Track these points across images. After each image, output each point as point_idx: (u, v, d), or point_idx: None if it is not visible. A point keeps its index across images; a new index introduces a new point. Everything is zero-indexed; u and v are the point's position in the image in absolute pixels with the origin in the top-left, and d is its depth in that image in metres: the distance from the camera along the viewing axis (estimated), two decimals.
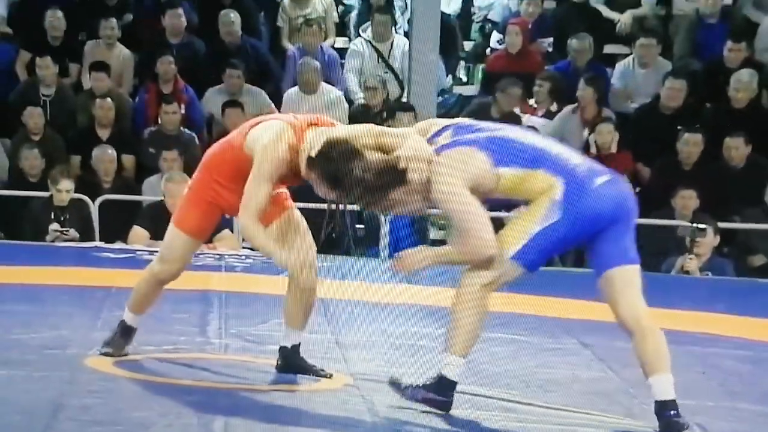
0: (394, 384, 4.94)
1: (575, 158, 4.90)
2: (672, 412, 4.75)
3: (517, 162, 4.78)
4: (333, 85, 11.74)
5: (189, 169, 10.23)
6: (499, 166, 4.77)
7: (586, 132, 10.89)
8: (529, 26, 12.24)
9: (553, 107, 11.26)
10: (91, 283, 6.53)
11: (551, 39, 12.51)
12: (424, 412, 4.81)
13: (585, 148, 10.62)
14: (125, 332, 5.46)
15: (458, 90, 12.69)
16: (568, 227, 4.74)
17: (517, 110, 11.17)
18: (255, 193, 4.98)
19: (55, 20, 11.95)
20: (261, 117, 5.35)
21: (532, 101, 11.31)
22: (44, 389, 4.94)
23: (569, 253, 10.15)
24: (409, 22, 12.13)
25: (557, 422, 4.82)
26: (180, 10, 12.01)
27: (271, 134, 5.00)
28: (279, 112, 11.23)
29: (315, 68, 11.45)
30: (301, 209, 9.44)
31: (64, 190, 9.46)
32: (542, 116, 11.20)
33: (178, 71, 11.44)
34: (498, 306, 7.00)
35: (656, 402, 4.79)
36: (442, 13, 12.05)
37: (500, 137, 4.86)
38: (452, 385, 4.81)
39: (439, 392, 4.80)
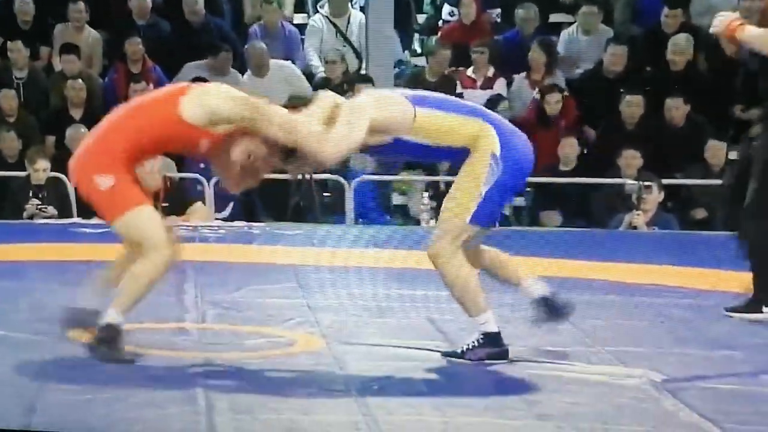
0: (449, 354, 5.02)
1: (491, 113, 5.03)
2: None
3: (441, 107, 4.84)
4: (293, 62, 11.69)
5: None
6: (420, 106, 4.79)
7: (535, 93, 10.96)
8: None
9: (489, 73, 11.26)
10: (70, 257, 6.49)
11: (499, 9, 12.53)
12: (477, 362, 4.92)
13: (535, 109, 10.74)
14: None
15: (414, 61, 12.66)
16: (510, 178, 4.83)
17: (458, 87, 11.21)
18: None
19: (24, 5, 11.85)
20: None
21: (470, 71, 11.32)
22: (30, 363, 4.92)
23: (524, 213, 10.25)
24: None
25: (517, 374, 4.86)
26: None
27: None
28: None
29: (262, 50, 11.33)
30: (268, 180, 9.52)
31: (41, 169, 9.45)
32: (481, 86, 11.21)
33: (146, 51, 11.36)
34: None
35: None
36: None
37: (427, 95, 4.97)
38: (497, 335, 4.95)
39: (494, 345, 4.94)
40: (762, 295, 5.99)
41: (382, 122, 4.76)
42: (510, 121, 10.89)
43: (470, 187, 4.80)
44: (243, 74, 11.45)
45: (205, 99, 4.83)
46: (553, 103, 10.62)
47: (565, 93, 10.82)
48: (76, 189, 5.10)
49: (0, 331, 5.45)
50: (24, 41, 11.37)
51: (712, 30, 6.17)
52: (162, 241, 4.88)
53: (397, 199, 10.81)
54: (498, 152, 4.78)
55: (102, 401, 4.37)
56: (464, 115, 4.84)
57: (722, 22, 5.99)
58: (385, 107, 4.78)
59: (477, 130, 4.79)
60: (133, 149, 4.92)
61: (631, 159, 9.97)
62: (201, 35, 11.68)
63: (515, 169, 4.82)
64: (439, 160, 4.94)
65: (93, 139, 5.02)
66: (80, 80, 10.94)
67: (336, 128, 4.71)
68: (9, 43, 11.37)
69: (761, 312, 5.98)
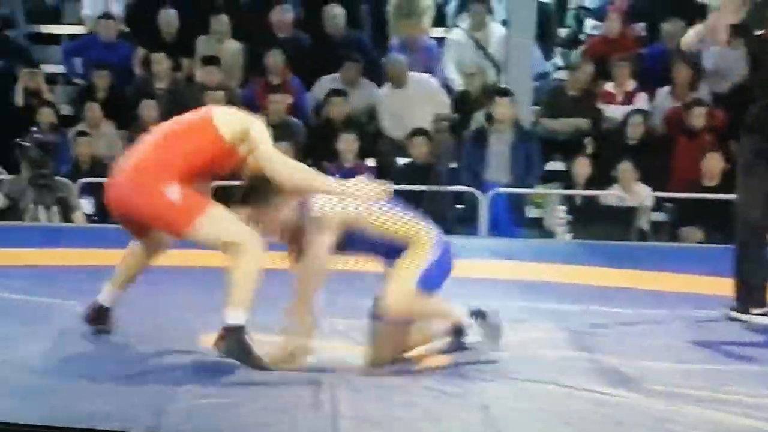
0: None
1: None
2: None
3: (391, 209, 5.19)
4: (432, 74, 11.73)
5: (297, 156, 10.32)
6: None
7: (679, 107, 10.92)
8: (626, 11, 12.16)
9: (630, 87, 11.19)
10: (208, 264, 6.54)
11: (644, 24, 12.41)
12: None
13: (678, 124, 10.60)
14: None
15: (555, 75, 12.59)
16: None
17: (599, 104, 11.15)
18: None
19: (168, 18, 12.12)
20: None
21: (610, 85, 11.23)
22: (162, 364, 5.02)
23: (663, 228, 10.10)
24: (506, 10, 12.09)
25: (644, 388, 4.80)
26: (287, 6, 12.08)
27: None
28: (378, 106, 11.30)
29: (400, 62, 11.39)
30: (402, 191, 9.55)
31: None
32: (621, 101, 11.14)
33: (286, 64, 11.50)
34: (599, 281, 7.03)
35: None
36: (538, 1, 11.97)
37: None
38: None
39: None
40: None
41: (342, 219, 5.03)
42: (650, 135, 10.97)
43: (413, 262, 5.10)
44: (381, 86, 11.52)
45: (232, 116, 5.02)
46: (698, 118, 10.50)
47: (710, 107, 10.67)
48: (121, 208, 5.01)
49: (140, 330, 5.58)
50: (167, 53, 11.62)
51: None
52: (249, 232, 4.89)
53: (531, 212, 10.78)
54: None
55: (229, 405, 4.42)
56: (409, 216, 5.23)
57: None
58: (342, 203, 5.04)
59: (420, 229, 5.16)
60: (188, 171, 4.95)
61: None
62: (340, 48, 11.78)
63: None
64: (378, 253, 5.22)
65: (142, 158, 5.00)
66: (220, 91, 11.12)
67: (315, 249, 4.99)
68: (152, 54, 11.63)
69: None
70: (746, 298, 6.14)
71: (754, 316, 6.11)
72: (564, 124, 11.15)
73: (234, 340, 4.88)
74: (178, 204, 4.85)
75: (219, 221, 4.87)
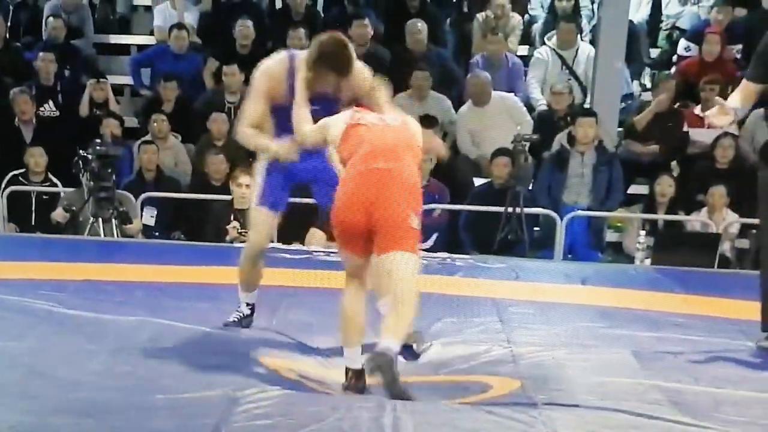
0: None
1: None
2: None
3: None
4: (515, 93, 11.77)
5: None
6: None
7: None
8: (724, 33, 12.13)
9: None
10: (268, 282, 6.63)
11: (740, 46, 12.35)
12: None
13: None
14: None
15: (644, 96, 12.57)
16: None
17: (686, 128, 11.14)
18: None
19: (244, 29, 12.24)
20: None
21: (698, 109, 11.20)
22: (220, 382, 5.07)
23: (747, 256, 10.02)
24: (595, 29, 12.10)
25: (719, 417, 4.81)
26: (366, 21, 12.19)
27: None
28: (457, 124, 11.36)
29: (485, 80, 11.48)
30: (477, 212, 9.49)
31: (244, 185, 9.37)
32: (709, 125, 11.09)
33: None
34: (676, 308, 7.01)
35: None
36: (629, 21, 11.97)
37: None
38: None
39: None
40: None
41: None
42: (741, 159, 10.85)
43: None
44: (462, 104, 11.59)
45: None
46: None
47: None
48: (374, 211, 5.35)
49: (193, 348, 5.67)
50: (240, 66, 11.70)
51: None
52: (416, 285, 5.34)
53: (610, 236, 10.75)
54: None
55: (287, 426, 4.49)
56: None
57: None
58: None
59: None
60: None
61: None
62: (420, 64, 11.84)
63: None
64: None
65: (406, 175, 5.47)
66: None
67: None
68: (225, 67, 11.73)
69: None
70: None
71: None
72: (647, 114, 11.15)
73: (387, 363, 5.04)
74: (414, 233, 5.37)
75: (415, 268, 5.31)
